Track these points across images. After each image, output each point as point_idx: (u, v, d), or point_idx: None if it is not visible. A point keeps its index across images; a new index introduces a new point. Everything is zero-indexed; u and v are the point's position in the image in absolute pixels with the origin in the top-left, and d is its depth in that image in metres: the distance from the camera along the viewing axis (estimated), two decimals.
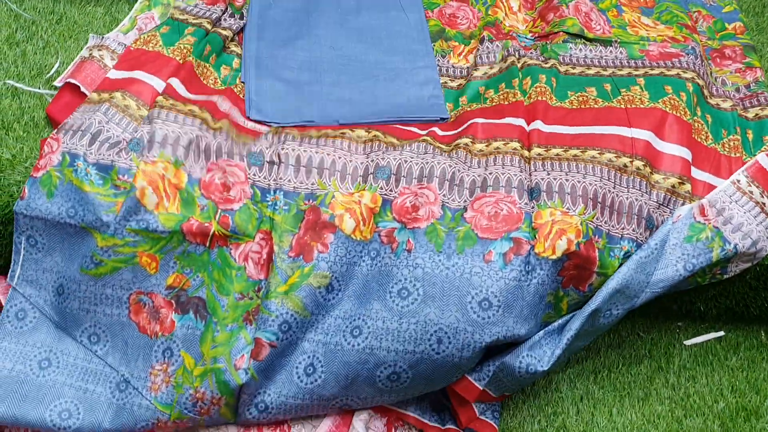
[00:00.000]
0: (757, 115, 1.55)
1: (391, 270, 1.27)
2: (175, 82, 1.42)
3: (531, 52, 1.62)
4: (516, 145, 1.38)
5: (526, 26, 1.72)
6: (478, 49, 1.63)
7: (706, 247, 1.32)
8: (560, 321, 1.30)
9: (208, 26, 1.56)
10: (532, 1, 1.78)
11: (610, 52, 1.62)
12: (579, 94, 1.51)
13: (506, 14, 1.72)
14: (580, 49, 1.62)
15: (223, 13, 1.62)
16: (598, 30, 1.66)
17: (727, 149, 1.48)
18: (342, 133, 1.39)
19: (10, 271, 1.29)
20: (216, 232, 1.27)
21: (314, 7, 1.72)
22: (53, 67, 1.52)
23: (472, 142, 1.39)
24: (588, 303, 1.28)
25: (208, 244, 1.28)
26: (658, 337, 1.49)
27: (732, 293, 1.46)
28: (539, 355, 1.26)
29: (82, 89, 1.42)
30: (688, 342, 1.48)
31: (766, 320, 1.52)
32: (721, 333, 1.50)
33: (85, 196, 1.26)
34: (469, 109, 1.50)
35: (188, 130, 1.33)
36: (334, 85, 1.56)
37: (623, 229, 1.32)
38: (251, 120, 1.47)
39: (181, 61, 1.46)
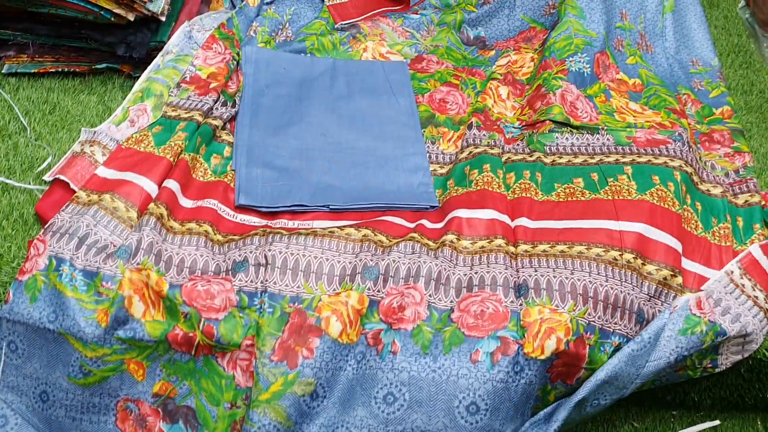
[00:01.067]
0: (746, 201, 1.55)
1: (376, 374, 1.26)
2: (174, 185, 1.43)
3: (517, 144, 1.62)
4: (501, 242, 1.38)
5: (514, 113, 1.73)
6: (466, 135, 1.64)
7: (700, 341, 1.31)
8: (546, 410, 1.29)
9: (200, 118, 1.57)
10: (521, 88, 1.79)
11: (597, 139, 1.62)
12: (566, 186, 1.51)
13: (495, 101, 1.73)
14: (567, 138, 1.62)
15: (215, 103, 1.63)
16: (585, 117, 1.67)
17: (717, 238, 1.48)
18: (331, 231, 1.39)
19: None
20: (201, 342, 1.26)
21: (306, 94, 1.74)
22: (45, 160, 1.54)
23: (457, 238, 1.39)
24: (575, 393, 1.27)
25: (193, 353, 1.27)
26: (652, 426, 1.47)
27: (725, 384, 1.44)
28: None
29: (72, 186, 1.43)
30: None
31: (762, 409, 1.49)
32: (717, 422, 1.47)
33: (66, 301, 1.26)
34: (455, 193, 1.50)
35: (185, 252, 1.33)
36: (324, 173, 1.57)
37: (615, 323, 1.31)
38: (240, 210, 1.47)
39: (172, 160, 1.47)
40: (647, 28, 1.90)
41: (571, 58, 1.75)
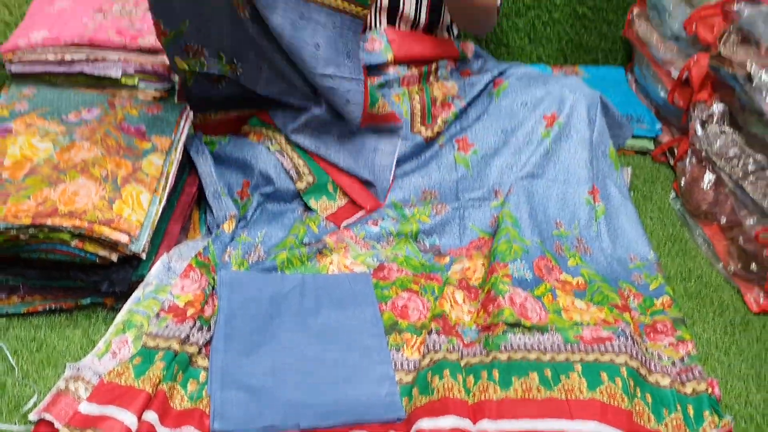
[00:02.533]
0: (694, 390, 1.64)
1: None
2: (152, 417, 1.51)
3: (475, 347, 1.73)
4: None
5: (471, 317, 1.86)
6: (426, 341, 1.74)
7: None
8: None
9: (177, 347, 1.68)
10: (475, 292, 1.93)
11: (547, 338, 1.73)
12: (522, 379, 1.60)
13: (452, 306, 1.86)
14: (519, 338, 1.73)
15: (192, 329, 1.75)
16: (535, 318, 1.79)
17: (670, 429, 1.56)
18: None
19: None
20: None
21: (277, 312, 1.86)
22: (30, 398, 1.62)
23: None
24: None
25: None
26: None
27: None
28: None
29: (56, 425, 1.51)
30: None
31: None
32: None
33: None
34: (419, 403, 1.58)
35: None
36: (295, 389, 1.66)
37: None
38: None
39: (151, 391, 1.56)
40: (582, 233, 2.08)
41: (512, 264, 1.90)
